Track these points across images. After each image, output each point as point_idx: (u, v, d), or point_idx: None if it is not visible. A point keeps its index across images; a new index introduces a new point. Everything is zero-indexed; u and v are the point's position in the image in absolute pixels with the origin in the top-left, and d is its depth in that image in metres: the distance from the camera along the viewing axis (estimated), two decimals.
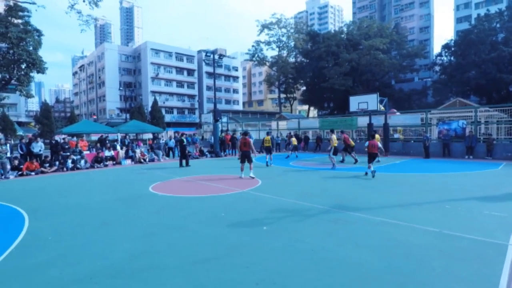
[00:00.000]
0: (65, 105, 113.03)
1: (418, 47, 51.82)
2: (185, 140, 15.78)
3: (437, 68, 49.42)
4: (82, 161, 15.17)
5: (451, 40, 48.95)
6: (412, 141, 20.32)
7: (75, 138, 18.44)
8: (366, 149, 10.94)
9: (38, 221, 5.74)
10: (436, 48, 64.02)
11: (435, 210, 5.91)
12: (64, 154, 14.99)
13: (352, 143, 15.39)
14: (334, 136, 13.43)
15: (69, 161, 14.49)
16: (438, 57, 49.74)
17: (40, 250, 4.24)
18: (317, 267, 3.52)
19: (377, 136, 14.26)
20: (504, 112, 17.80)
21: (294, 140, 19.36)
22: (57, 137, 19.11)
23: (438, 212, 5.76)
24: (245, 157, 10.71)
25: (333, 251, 3.97)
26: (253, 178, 10.25)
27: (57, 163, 14.46)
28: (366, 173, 10.67)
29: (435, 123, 19.74)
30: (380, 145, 12.32)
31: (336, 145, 13.24)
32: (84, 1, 15.16)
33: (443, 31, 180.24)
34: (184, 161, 14.98)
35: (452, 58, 46.61)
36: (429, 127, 19.10)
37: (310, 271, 3.42)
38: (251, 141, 11.13)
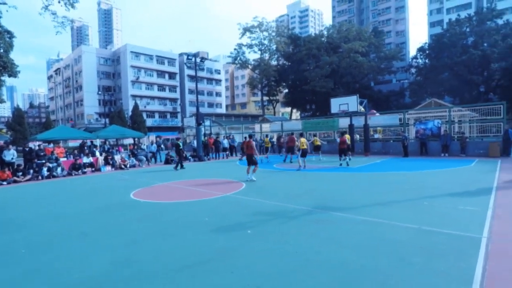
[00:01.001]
0: (40, 110, 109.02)
1: (395, 50, 53.57)
2: (181, 144, 16.16)
3: (413, 70, 51.28)
4: (59, 169, 14.63)
5: (425, 43, 50.95)
6: (392, 141, 20.90)
7: (51, 145, 17.79)
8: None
9: (10, 234, 5.48)
10: (412, 51, 66.04)
11: (414, 207, 6.09)
12: (39, 161, 14.42)
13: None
14: (302, 139, 13.81)
15: (45, 169, 13.93)
16: (414, 60, 51.60)
17: (11, 265, 4.04)
18: (301, 269, 3.54)
19: (347, 136, 14.91)
20: (476, 112, 18.64)
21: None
22: (31, 144, 18.40)
23: (417, 209, 5.93)
24: (250, 160, 10.75)
25: (317, 252, 4.01)
26: (254, 180, 10.38)
27: (31, 171, 13.88)
28: (341, 164, 13.97)
29: (413, 123, 20.41)
30: (348, 142, 14.71)
31: (305, 147, 13.57)
32: (59, 2, 14.68)
33: (418, 35, 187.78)
34: (180, 164, 15.40)
35: (426, 61, 48.47)
36: (407, 127, 19.72)
37: (295, 273, 3.44)
38: (254, 144, 11.21)
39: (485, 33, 43.59)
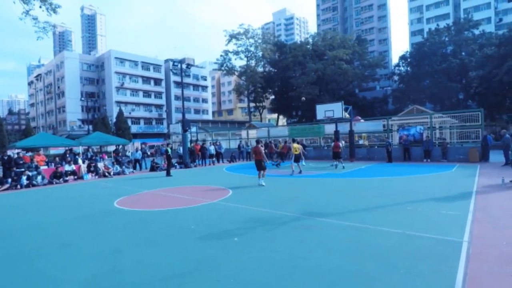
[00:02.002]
0: (20, 117, 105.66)
1: (378, 58, 55.01)
2: (169, 150, 16.19)
3: (395, 77, 52.71)
4: (39, 177, 14.16)
5: (407, 51, 52.53)
6: (376, 147, 21.29)
7: (29, 153, 17.22)
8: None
9: None
10: (394, 59, 68.05)
11: (398, 212, 6.20)
12: (18, 170, 13.93)
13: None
14: (295, 145, 14.01)
15: (24, 177, 13.46)
16: (396, 67, 53.08)
17: None
18: (289, 276, 3.54)
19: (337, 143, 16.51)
20: (455, 118, 19.26)
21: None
22: (9, 152, 17.77)
23: (401, 214, 6.05)
24: (259, 165, 10.85)
25: (305, 259, 4.02)
26: (263, 185, 10.53)
27: (9, 180, 13.38)
28: (336, 166, 15.30)
29: (396, 129, 20.89)
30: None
31: (297, 153, 13.80)
32: (40, 7, 14.35)
33: (400, 43, 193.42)
34: (167, 171, 15.47)
35: (408, 68, 49.94)
36: (391, 133, 20.17)
37: (282, 280, 3.43)
38: (263, 149, 11.29)
39: (463, 43, 45.39)
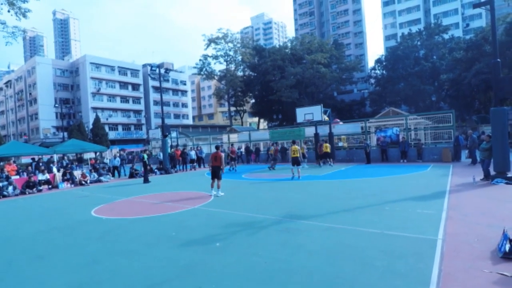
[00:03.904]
0: None
1: (355, 62, 56.44)
2: (145, 157, 15.76)
3: (372, 80, 54.32)
4: (10, 188, 13.48)
5: (382, 55, 54.33)
6: (355, 148, 21.78)
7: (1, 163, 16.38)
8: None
9: None
10: (370, 62, 70.22)
11: (376, 212, 6.36)
12: None
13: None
14: (294, 147, 13.29)
15: None
16: (373, 71, 54.76)
17: None
18: (271, 280, 3.54)
19: (326, 144, 18.29)
20: (429, 119, 20.04)
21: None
22: None
23: (379, 214, 6.21)
24: (214, 173, 9.85)
25: (286, 261, 4.04)
26: (219, 195, 9.61)
27: None
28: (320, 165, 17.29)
29: (374, 131, 21.46)
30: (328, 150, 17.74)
31: (295, 156, 13.03)
32: (9, 11, 13.77)
33: (376, 47, 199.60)
34: (145, 177, 15.19)
35: (384, 72, 51.62)
36: (369, 134, 20.71)
37: (265, 284, 3.43)
38: (223, 155, 10.34)
39: (434, 47, 47.49)
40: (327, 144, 18.22)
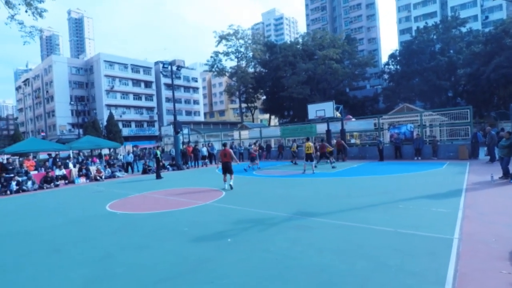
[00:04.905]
0: (8, 122, 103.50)
1: (368, 57, 55.40)
2: (158, 153, 15.96)
3: (385, 76, 53.23)
4: (29, 182, 13.91)
5: (396, 50, 53.15)
6: (368, 145, 21.47)
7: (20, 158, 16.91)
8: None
9: None
10: (384, 57, 68.89)
11: (390, 210, 6.26)
12: (7, 175, 13.66)
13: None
14: (308, 144, 13.80)
15: (13, 183, 13.21)
16: (386, 66, 53.65)
17: None
18: (282, 276, 3.54)
19: (327, 145, 17.40)
20: (445, 116, 19.53)
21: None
22: None
23: (393, 212, 6.11)
24: (226, 168, 10.48)
25: (297, 258, 4.03)
26: (231, 184, 10.34)
27: None
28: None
29: (387, 127, 21.08)
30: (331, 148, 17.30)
31: (309, 152, 13.58)
32: (26, 12, 14.10)
33: (389, 42, 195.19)
34: (157, 173, 15.32)
35: (398, 67, 50.52)
36: (382, 131, 20.36)
37: (275, 281, 3.43)
38: (232, 151, 11.04)
39: (450, 40, 46.12)
40: (326, 144, 17.12)
